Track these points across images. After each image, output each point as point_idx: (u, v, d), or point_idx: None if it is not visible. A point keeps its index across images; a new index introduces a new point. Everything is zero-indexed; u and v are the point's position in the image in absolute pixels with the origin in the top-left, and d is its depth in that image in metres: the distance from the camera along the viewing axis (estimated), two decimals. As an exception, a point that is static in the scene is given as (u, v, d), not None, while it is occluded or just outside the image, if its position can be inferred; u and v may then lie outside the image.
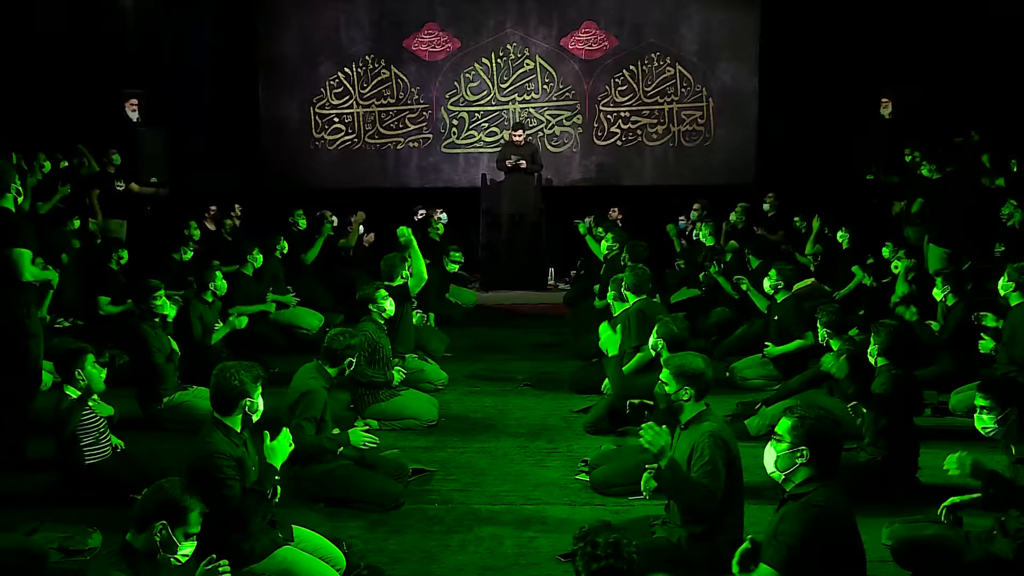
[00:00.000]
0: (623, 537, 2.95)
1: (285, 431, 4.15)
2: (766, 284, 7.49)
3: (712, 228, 10.10)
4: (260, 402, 4.17)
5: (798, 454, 3.31)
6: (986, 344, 6.61)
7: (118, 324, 8.17)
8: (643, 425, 4.02)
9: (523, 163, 11.43)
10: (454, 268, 10.29)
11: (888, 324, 5.49)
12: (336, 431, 5.41)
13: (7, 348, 5.47)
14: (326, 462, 5.14)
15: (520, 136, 11.67)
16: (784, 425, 3.37)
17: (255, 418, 4.16)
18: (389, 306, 6.63)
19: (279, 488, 4.08)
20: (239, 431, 4.13)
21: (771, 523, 3.37)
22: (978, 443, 4.68)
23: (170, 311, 6.70)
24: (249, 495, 3.96)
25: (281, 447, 4.08)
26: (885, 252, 9.04)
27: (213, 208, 11.58)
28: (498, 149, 12.56)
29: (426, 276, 7.27)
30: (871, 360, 5.41)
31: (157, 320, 6.56)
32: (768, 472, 3.44)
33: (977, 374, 6.52)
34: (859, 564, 3.32)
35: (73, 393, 5.12)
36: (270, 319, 8.96)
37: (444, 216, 12.09)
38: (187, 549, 3.30)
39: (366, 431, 5.54)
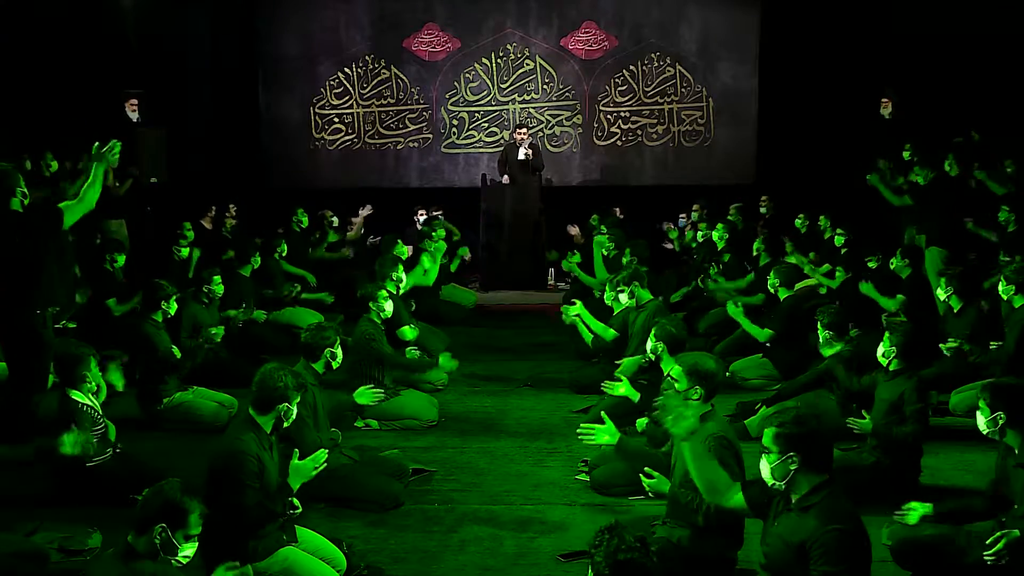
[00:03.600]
0: (647, 536, 2.97)
1: (319, 454, 4.15)
2: (768, 286, 7.50)
3: (726, 228, 9.98)
4: (295, 410, 4.19)
5: (789, 462, 3.28)
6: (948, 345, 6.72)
7: (119, 324, 8.18)
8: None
9: (506, 179, 11.55)
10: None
11: (902, 323, 5.46)
12: (334, 430, 5.42)
13: (21, 355, 5.47)
14: (329, 459, 5.13)
15: (524, 134, 11.65)
16: (768, 436, 3.35)
17: (286, 424, 4.17)
18: (388, 307, 6.63)
19: (297, 504, 4.10)
20: (268, 432, 4.14)
21: (783, 535, 3.34)
22: (977, 443, 4.68)
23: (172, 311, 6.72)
24: (258, 508, 3.95)
25: (305, 469, 4.08)
26: (871, 264, 8.95)
27: (213, 209, 11.58)
28: (498, 149, 12.56)
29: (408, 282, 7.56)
30: (882, 360, 5.38)
31: (160, 320, 6.56)
32: (769, 483, 3.40)
33: (979, 375, 6.54)
34: (867, 561, 3.31)
35: (77, 396, 5.11)
36: (270, 319, 8.97)
37: (423, 217, 11.89)
38: (188, 551, 3.30)
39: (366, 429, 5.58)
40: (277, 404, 4.11)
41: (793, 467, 3.28)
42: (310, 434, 5.05)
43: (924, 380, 5.32)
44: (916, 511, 4.32)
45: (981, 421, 4.26)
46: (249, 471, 3.93)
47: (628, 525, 2.99)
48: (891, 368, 5.31)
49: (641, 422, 5.72)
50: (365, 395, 5.78)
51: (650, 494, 4.29)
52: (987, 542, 3.92)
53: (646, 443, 5.27)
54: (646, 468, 4.29)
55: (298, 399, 4.21)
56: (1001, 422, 4.16)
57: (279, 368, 4.17)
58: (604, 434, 4.93)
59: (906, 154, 10.39)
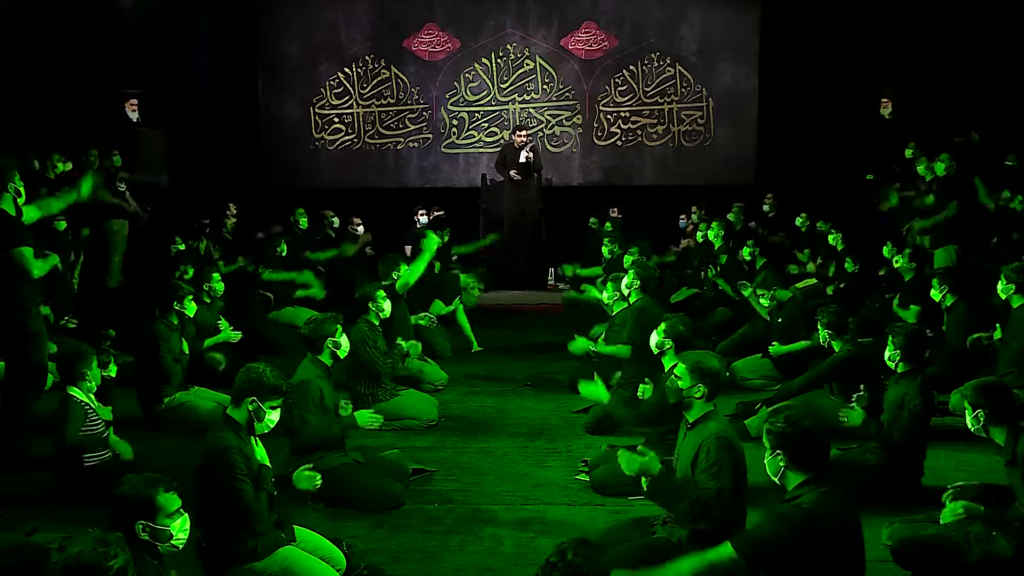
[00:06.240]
0: (596, 553, 2.81)
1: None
2: (763, 300, 7.53)
3: (720, 226, 10.00)
4: (272, 416, 4.08)
5: (779, 459, 3.35)
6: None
7: (120, 323, 8.19)
8: (619, 451, 4.16)
9: (515, 174, 11.41)
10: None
11: (905, 327, 5.47)
12: (346, 403, 5.40)
13: (11, 349, 5.47)
14: (330, 459, 5.14)
15: (523, 137, 11.66)
16: (765, 434, 3.45)
17: (259, 428, 4.07)
18: (387, 307, 6.63)
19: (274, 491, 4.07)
20: (243, 426, 4.06)
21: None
22: (977, 444, 4.68)
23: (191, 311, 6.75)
24: (260, 493, 3.93)
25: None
26: (885, 251, 9.03)
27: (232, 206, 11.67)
28: (498, 150, 12.57)
29: (412, 280, 7.33)
30: (889, 364, 5.36)
31: (176, 321, 6.58)
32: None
33: (977, 375, 6.53)
34: (857, 568, 3.30)
35: (77, 394, 5.12)
36: (270, 318, 8.97)
37: (424, 219, 11.91)
38: (180, 528, 3.26)
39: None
40: (244, 397, 4.04)
41: (782, 464, 3.35)
42: (310, 431, 5.06)
43: (928, 380, 5.32)
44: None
45: (967, 419, 4.36)
46: (236, 462, 3.90)
47: (576, 541, 2.84)
48: (898, 370, 5.31)
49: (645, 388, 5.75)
50: (364, 417, 5.57)
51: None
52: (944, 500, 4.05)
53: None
54: (639, 447, 4.27)
55: (273, 403, 4.08)
56: (983, 419, 4.25)
57: (261, 366, 4.11)
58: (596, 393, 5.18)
59: (908, 152, 10.39)
